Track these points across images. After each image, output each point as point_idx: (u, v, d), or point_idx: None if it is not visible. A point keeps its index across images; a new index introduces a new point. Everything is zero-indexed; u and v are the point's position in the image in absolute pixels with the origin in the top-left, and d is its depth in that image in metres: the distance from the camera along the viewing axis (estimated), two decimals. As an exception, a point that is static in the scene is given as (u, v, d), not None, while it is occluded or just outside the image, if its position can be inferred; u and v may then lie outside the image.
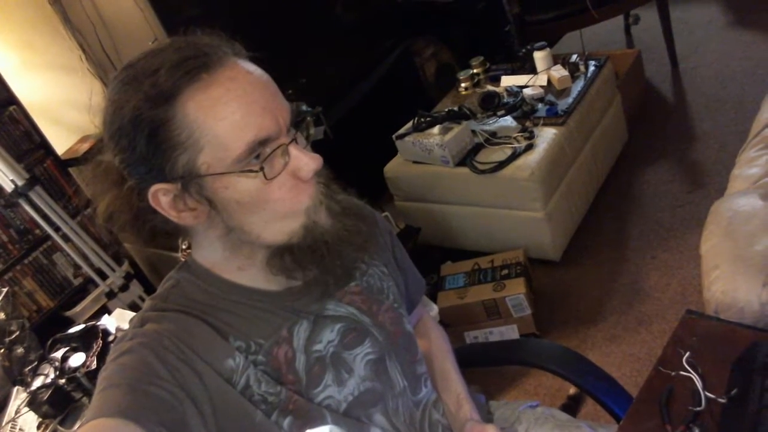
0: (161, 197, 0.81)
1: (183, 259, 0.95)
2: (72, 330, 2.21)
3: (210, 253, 0.90)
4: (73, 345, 2.14)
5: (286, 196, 0.82)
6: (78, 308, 2.75)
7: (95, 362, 2.06)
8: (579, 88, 2.78)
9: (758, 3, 3.97)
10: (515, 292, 2.33)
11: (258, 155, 0.79)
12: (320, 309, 0.96)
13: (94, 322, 2.23)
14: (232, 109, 0.77)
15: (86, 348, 2.12)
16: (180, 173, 0.79)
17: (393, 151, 2.85)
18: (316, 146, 2.60)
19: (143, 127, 0.77)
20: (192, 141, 0.77)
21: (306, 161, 0.82)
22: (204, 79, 0.77)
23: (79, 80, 2.84)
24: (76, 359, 2.09)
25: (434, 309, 2.30)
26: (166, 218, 0.84)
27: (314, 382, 0.92)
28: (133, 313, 2.36)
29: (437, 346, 1.24)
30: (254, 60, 0.86)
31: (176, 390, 0.80)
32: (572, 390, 1.61)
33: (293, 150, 0.82)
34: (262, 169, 0.79)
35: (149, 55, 0.80)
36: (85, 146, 2.76)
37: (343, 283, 0.99)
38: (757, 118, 2.18)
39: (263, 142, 0.79)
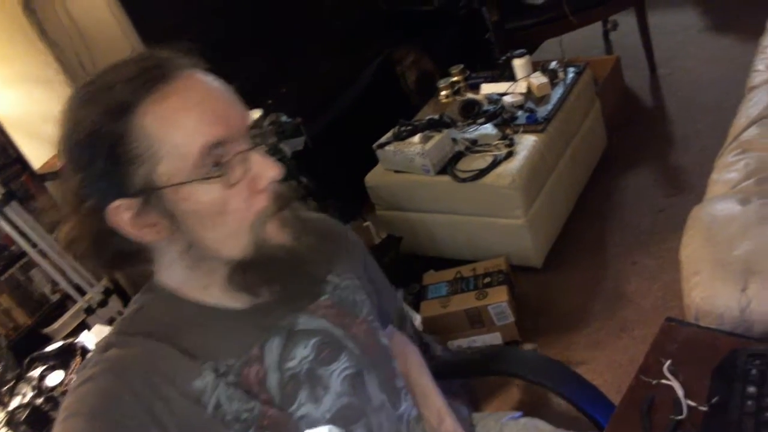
0: (121, 214, 0.80)
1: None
2: (49, 348, 2.18)
3: (172, 273, 0.88)
4: (51, 363, 2.11)
5: (242, 207, 0.81)
6: (56, 325, 2.71)
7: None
8: (558, 95, 2.78)
9: (734, 8, 4.01)
10: (498, 300, 2.32)
11: (218, 163, 0.79)
12: (292, 324, 0.94)
13: (72, 340, 2.20)
14: (187, 116, 0.78)
15: (64, 366, 2.10)
16: (140, 187, 0.78)
17: (374, 161, 2.84)
18: (296, 157, 2.58)
19: (102, 142, 0.76)
20: (151, 152, 0.77)
21: (266, 167, 0.82)
22: (160, 90, 0.77)
23: (56, 93, 2.80)
24: (54, 378, 2.06)
25: (417, 318, 2.29)
26: (127, 239, 0.82)
27: (288, 401, 0.90)
28: (113, 329, 2.34)
29: (412, 362, 1.22)
30: (213, 72, 0.86)
31: (142, 416, 0.78)
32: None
33: (254, 156, 0.82)
34: (221, 174, 0.79)
35: (105, 72, 0.80)
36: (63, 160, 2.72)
37: (313, 297, 0.98)
38: (734, 122, 2.20)
39: (216, 145, 0.78)
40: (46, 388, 2.03)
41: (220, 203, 0.80)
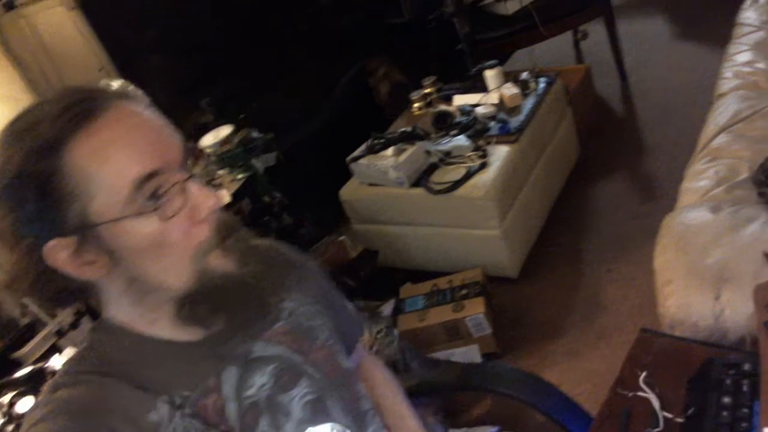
0: (58, 253, 0.77)
1: None
2: (19, 374, 2.13)
3: (119, 308, 0.85)
4: (21, 389, 2.06)
5: (181, 239, 0.79)
6: (26, 349, 2.64)
7: (44, 405, 1.99)
8: (530, 105, 2.80)
9: (700, 16, 4.08)
10: (474, 312, 2.31)
11: (153, 195, 0.77)
12: (247, 352, 0.92)
13: (42, 364, 2.16)
14: (116, 150, 0.75)
15: (35, 392, 2.05)
16: (75, 225, 0.76)
17: (348, 174, 2.83)
18: (269, 172, 2.56)
19: (30, 182, 0.74)
20: (82, 189, 0.74)
21: (205, 197, 0.80)
22: (88, 125, 0.75)
23: (23, 112, 2.76)
24: (25, 404, 2.01)
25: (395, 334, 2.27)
26: (69, 276, 0.79)
27: (249, 430, 0.88)
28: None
29: (384, 384, 1.20)
30: (147, 100, 0.84)
31: None
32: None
33: (192, 187, 0.80)
34: (157, 208, 0.77)
35: (30, 110, 0.77)
36: (31, 179, 2.68)
37: (267, 324, 0.96)
38: (703, 130, 2.22)
39: (151, 176, 0.76)
40: (17, 414, 1.98)
41: (158, 237, 0.78)
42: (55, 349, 2.61)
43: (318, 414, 0.95)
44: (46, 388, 0.84)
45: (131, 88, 0.84)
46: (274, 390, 0.91)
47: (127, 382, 0.81)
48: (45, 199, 0.74)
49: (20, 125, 0.76)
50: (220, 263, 0.82)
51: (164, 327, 0.85)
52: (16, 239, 0.77)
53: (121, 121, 0.77)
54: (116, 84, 0.83)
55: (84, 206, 0.75)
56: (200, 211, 0.80)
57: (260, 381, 0.91)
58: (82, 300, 0.86)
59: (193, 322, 0.85)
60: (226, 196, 0.81)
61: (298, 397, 0.93)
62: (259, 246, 1.02)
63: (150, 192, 0.76)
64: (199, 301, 0.82)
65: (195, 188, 0.80)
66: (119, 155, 0.75)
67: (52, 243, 0.76)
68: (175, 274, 0.81)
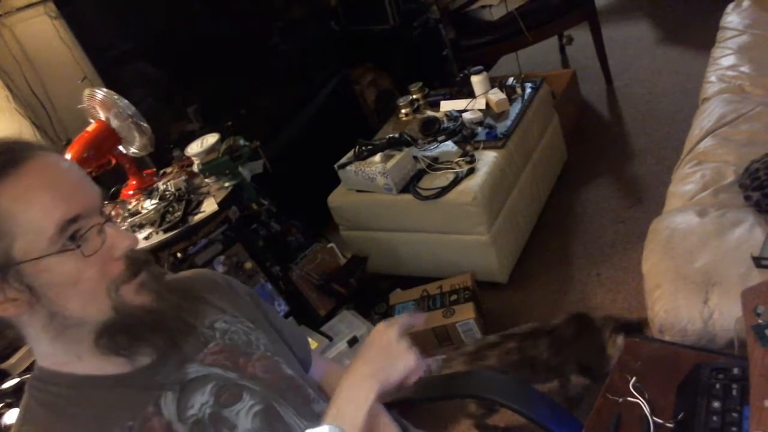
0: None
1: None
2: (6, 385, 2.11)
3: (44, 348, 0.89)
4: (8, 401, 2.04)
5: (96, 275, 0.85)
6: (13, 359, 2.62)
7: (31, 417, 1.97)
8: (517, 110, 2.81)
9: (684, 20, 4.11)
10: (465, 318, 2.31)
11: (73, 236, 0.83)
12: (182, 376, 0.95)
13: (29, 376, 2.13)
14: (41, 194, 0.82)
15: (21, 403, 2.03)
16: None
17: (336, 181, 2.82)
18: (257, 180, 2.55)
19: None
20: (6, 230, 0.80)
21: (121, 238, 0.87)
22: (12, 174, 0.81)
23: (7, 120, 2.74)
24: (11, 416, 1.99)
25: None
26: None
27: None
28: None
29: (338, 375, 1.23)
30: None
31: None
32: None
33: (109, 229, 0.87)
34: (79, 246, 0.83)
35: None
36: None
37: (198, 347, 0.99)
38: (689, 134, 2.24)
39: (73, 220, 0.83)
40: (4, 426, 1.96)
41: (75, 273, 0.83)
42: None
43: (272, 421, 0.97)
44: None
45: (50, 145, 0.91)
46: (216, 407, 0.95)
47: (72, 427, 0.86)
48: None
49: None
50: (136, 297, 0.88)
51: (93, 362, 0.89)
52: None
53: (44, 169, 0.84)
54: (38, 140, 0.89)
55: (7, 245, 0.80)
56: (116, 251, 0.87)
57: (201, 399, 0.94)
58: (8, 335, 0.91)
59: (115, 353, 0.89)
60: (138, 239, 0.86)
61: (244, 410, 0.96)
62: (179, 279, 1.11)
63: (71, 233, 0.83)
64: (117, 331, 0.87)
65: (111, 231, 0.87)
66: (44, 199, 0.81)
67: None
68: (92, 306, 0.86)
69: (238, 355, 1.02)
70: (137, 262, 0.90)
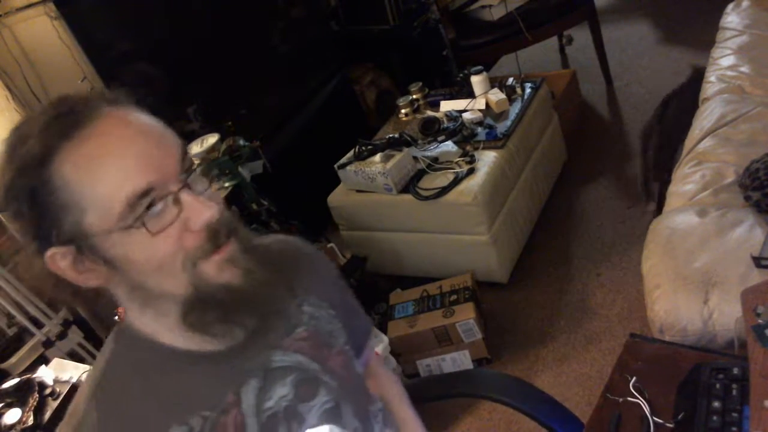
0: (58, 262, 0.76)
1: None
2: (6, 385, 2.11)
3: (135, 312, 0.84)
4: (8, 401, 2.04)
5: (172, 248, 0.77)
6: (13, 359, 2.62)
7: (32, 418, 1.97)
8: (517, 111, 2.81)
9: (684, 21, 4.11)
10: (465, 318, 2.31)
11: (149, 206, 0.74)
12: (267, 362, 0.90)
13: (29, 375, 2.14)
14: (106, 165, 0.73)
15: (22, 403, 2.03)
16: (69, 236, 0.75)
17: (336, 181, 2.82)
18: (256, 180, 2.55)
19: (22, 195, 0.74)
20: (74, 202, 0.73)
21: (198, 210, 0.77)
22: (75, 137, 0.73)
23: (7, 121, 2.74)
24: (12, 416, 2.00)
25: (384, 340, 2.27)
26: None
27: None
28: (72, 363, 2.27)
29: (391, 392, 1.20)
30: (142, 105, 0.81)
31: None
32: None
33: (185, 197, 0.77)
34: (143, 224, 0.74)
35: (25, 121, 0.77)
36: (16, 190, 2.65)
37: (287, 331, 0.94)
38: (689, 134, 2.24)
39: (145, 194, 0.74)
40: (4, 426, 1.96)
41: (146, 249, 0.76)
42: (42, 359, 2.59)
43: (334, 419, 0.94)
44: (71, 415, 0.84)
45: (123, 94, 0.80)
46: (294, 401, 0.90)
47: (151, 399, 0.82)
48: (38, 212, 0.74)
49: (13, 139, 0.75)
50: (218, 274, 0.79)
51: (178, 335, 0.83)
52: (27, 246, 0.78)
53: (110, 132, 0.74)
54: (109, 91, 0.80)
55: (77, 218, 0.74)
56: (193, 224, 0.77)
57: (281, 392, 0.89)
58: (101, 301, 0.85)
59: (203, 331, 0.83)
60: (221, 208, 0.77)
61: (317, 407, 0.92)
62: (267, 246, 0.98)
63: (143, 208, 0.74)
64: (204, 310, 0.79)
65: (189, 199, 0.77)
66: (110, 171, 0.73)
67: (50, 252, 0.76)
68: (170, 281, 0.78)
69: (321, 346, 0.97)
70: (219, 234, 0.79)
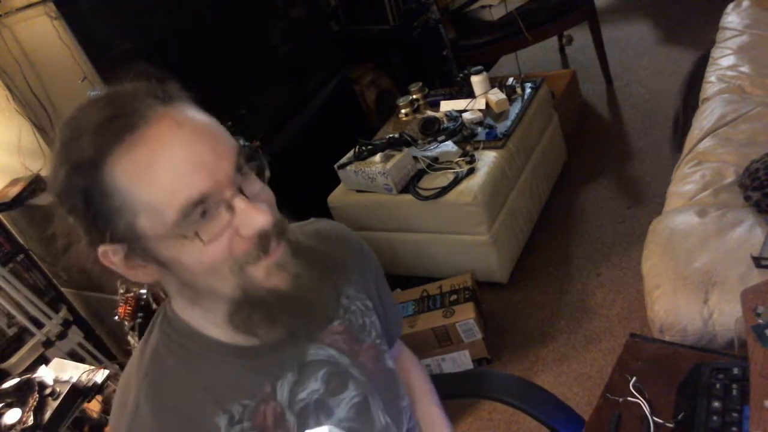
0: (110, 257, 0.77)
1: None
2: (6, 385, 2.11)
3: (183, 305, 0.86)
4: (8, 401, 2.04)
5: (222, 252, 0.76)
6: (14, 359, 2.62)
7: (32, 418, 1.97)
8: (517, 111, 2.81)
9: (684, 21, 4.11)
10: (465, 318, 2.31)
11: (204, 212, 0.73)
12: (302, 356, 0.92)
13: (29, 375, 2.14)
14: (159, 173, 0.71)
15: (22, 403, 2.03)
16: (122, 235, 0.75)
17: (336, 181, 2.82)
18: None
19: (76, 196, 0.73)
20: (126, 206, 0.72)
21: (251, 217, 0.75)
22: (128, 141, 0.71)
23: (7, 121, 2.74)
24: (12, 416, 2.00)
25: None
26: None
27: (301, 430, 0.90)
28: (72, 363, 2.27)
29: (420, 387, 1.21)
30: (194, 101, 0.81)
31: None
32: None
33: (238, 203, 0.75)
34: (196, 234, 0.73)
35: (78, 114, 0.75)
36: (16, 189, 2.65)
37: (325, 325, 0.95)
38: (689, 134, 2.24)
39: (200, 202, 0.72)
40: (4, 426, 1.96)
41: (202, 255, 0.75)
42: (42, 359, 2.59)
43: (362, 413, 0.96)
44: (120, 407, 0.87)
45: (176, 89, 0.79)
46: (324, 395, 0.92)
47: (197, 387, 0.85)
48: (92, 212, 0.74)
49: (67, 132, 0.74)
50: (266, 279, 0.79)
51: (224, 331, 0.85)
52: (78, 237, 0.78)
53: (163, 137, 0.72)
54: (162, 86, 0.78)
55: (130, 221, 0.73)
56: (245, 230, 0.76)
57: (313, 386, 0.92)
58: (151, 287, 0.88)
59: (248, 332, 0.83)
60: (272, 216, 0.76)
61: (346, 399, 0.94)
62: (319, 235, 0.98)
63: (197, 216, 0.73)
64: (251, 312, 0.80)
65: (243, 206, 0.75)
66: (162, 180, 0.71)
67: (102, 248, 0.76)
68: (220, 283, 0.78)
69: (353, 340, 0.98)
70: (269, 239, 0.78)
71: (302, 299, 0.81)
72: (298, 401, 0.90)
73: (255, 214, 0.75)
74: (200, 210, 0.72)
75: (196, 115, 0.77)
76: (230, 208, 0.74)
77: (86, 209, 0.74)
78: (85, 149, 0.71)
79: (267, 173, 0.85)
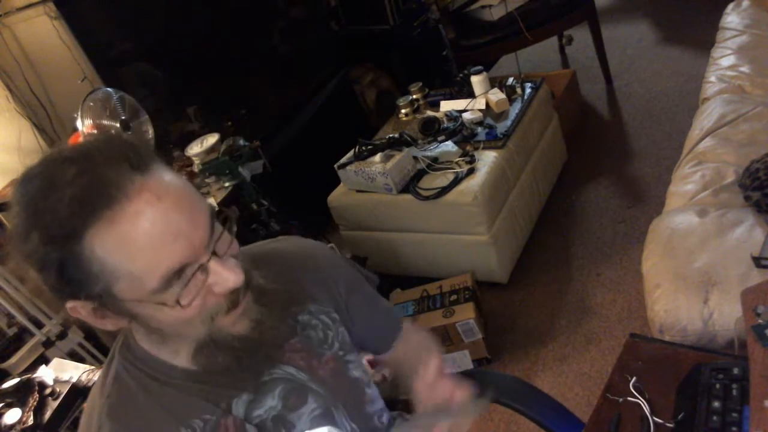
0: (78, 310, 0.78)
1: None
2: (6, 385, 2.11)
3: (145, 341, 0.89)
4: (8, 401, 2.04)
5: (195, 313, 0.80)
6: (13, 359, 2.62)
7: (32, 418, 1.97)
8: (517, 111, 2.80)
9: (684, 21, 4.11)
10: (465, 318, 2.31)
11: (180, 278, 0.76)
12: (258, 376, 0.94)
13: (29, 375, 2.14)
14: (140, 245, 0.72)
15: (22, 403, 2.03)
16: (94, 297, 0.76)
17: (336, 181, 2.82)
18: (256, 180, 2.54)
19: (50, 265, 0.72)
20: (104, 274, 0.73)
21: (225, 277, 0.79)
22: (107, 217, 0.71)
23: (7, 121, 2.74)
24: (12, 416, 2.00)
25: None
26: None
27: None
28: (72, 363, 2.27)
29: (413, 344, 1.21)
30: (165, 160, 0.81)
31: None
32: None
33: (213, 266, 0.78)
34: (177, 302, 0.76)
35: (47, 172, 0.73)
36: (16, 190, 2.65)
37: (280, 344, 0.96)
38: (689, 134, 2.24)
39: (179, 272, 0.75)
40: (4, 426, 1.96)
41: (177, 314, 0.78)
42: (42, 359, 2.59)
43: (325, 424, 0.97)
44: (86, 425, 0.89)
45: (149, 153, 0.78)
46: (283, 411, 0.94)
47: (157, 407, 0.87)
48: (66, 280, 0.74)
49: (38, 195, 0.72)
50: (233, 327, 0.84)
51: (185, 357, 0.88)
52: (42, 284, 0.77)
53: (143, 212, 0.72)
54: (136, 153, 0.76)
55: (107, 285, 0.74)
56: (219, 289, 0.80)
57: (270, 403, 0.93)
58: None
59: (209, 367, 0.87)
60: (242, 276, 0.82)
61: (306, 413, 0.96)
62: (282, 259, 1.03)
63: (177, 283, 0.76)
64: (215, 352, 0.84)
65: (217, 267, 0.78)
66: (143, 252, 0.72)
67: (71, 304, 0.77)
68: (188, 329, 0.83)
69: (312, 355, 1.00)
70: (238, 293, 0.83)
71: (263, 340, 0.87)
72: (254, 417, 0.92)
73: (228, 275, 0.79)
74: (180, 278, 0.75)
75: (172, 182, 0.77)
76: (205, 270, 0.78)
77: (59, 277, 0.73)
78: (62, 220, 0.70)
79: (235, 228, 0.86)
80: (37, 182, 0.73)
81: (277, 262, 1.00)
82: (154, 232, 0.72)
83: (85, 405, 0.96)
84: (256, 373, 0.93)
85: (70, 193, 0.70)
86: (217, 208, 0.84)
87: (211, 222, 0.79)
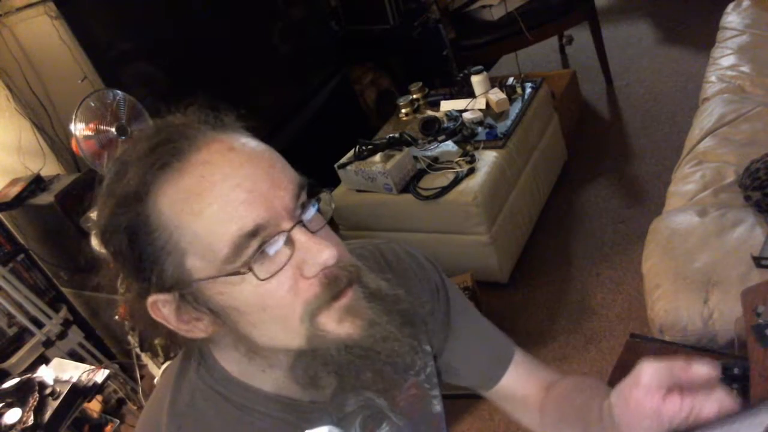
0: (161, 309, 0.69)
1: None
2: (6, 385, 2.11)
3: (228, 355, 0.76)
4: (8, 400, 2.05)
5: (286, 298, 0.67)
6: (14, 359, 2.62)
7: (32, 418, 1.97)
8: (517, 110, 2.81)
9: (684, 21, 4.11)
10: (465, 318, 2.31)
11: (259, 246, 0.64)
12: (341, 408, 0.82)
13: (29, 375, 2.14)
14: (208, 200, 0.63)
15: (22, 403, 2.03)
16: (171, 281, 0.67)
17: (336, 181, 2.82)
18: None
19: (121, 234, 0.65)
20: (173, 243, 0.65)
21: (314, 249, 0.66)
22: (175, 168, 0.64)
23: (7, 121, 2.75)
24: (12, 415, 2.00)
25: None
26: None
27: None
28: (72, 362, 2.27)
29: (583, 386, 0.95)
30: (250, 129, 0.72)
31: None
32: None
33: (299, 236, 0.66)
34: (250, 269, 0.64)
35: (126, 150, 0.68)
36: (16, 189, 2.65)
37: (401, 383, 0.86)
38: (689, 134, 2.24)
39: (253, 234, 0.63)
40: (4, 426, 1.96)
41: (258, 298, 0.66)
42: (42, 359, 2.59)
43: None
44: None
45: (231, 117, 0.72)
46: None
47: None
48: (138, 252, 0.66)
49: (113, 170, 0.68)
50: (338, 327, 0.68)
51: (274, 378, 0.76)
52: (128, 284, 0.71)
53: (211, 163, 0.64)
54: (215, 116, 0.71)
55: (178, 261, 0.65)
56: (308, 267, 0.67)
57: None
58: (197, 343, 0.76)
59: (306, 384, 0.74)
60: (340, 249, 0.68)
61: None
62: (396, 268, 0.90)
63: (252, 250, 0.64)
64: (315, 365, 0.71)
65: (304, 239, 0.66)
66: (212, 209, 0.63)
67: (152, 298, 0.68)
68: (282, 335, 0.69)
69: (393, 382, 0.82)
70: (338, 279, 0.68)
71: (373, 350, 0.70)
72: None
73: (318, 247, 0.66)
74: (256, 243, 0.64)
75: (252, 141, 0.69)
76: (290, 241, 0.66)
77: (132, 250, 0.66)
78: (129, 183, 0.65)
79: (331, 207, 0.75)
80: (116, 160, 0.69)
81: (395, 279, 0.82)
82: (225, 185, 0.63)
83: (141, 415, 0.83)
84: (342, 400, 0.80)
85: (141, 150, 0.66)
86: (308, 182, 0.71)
87: (299, 192, 0.67)
